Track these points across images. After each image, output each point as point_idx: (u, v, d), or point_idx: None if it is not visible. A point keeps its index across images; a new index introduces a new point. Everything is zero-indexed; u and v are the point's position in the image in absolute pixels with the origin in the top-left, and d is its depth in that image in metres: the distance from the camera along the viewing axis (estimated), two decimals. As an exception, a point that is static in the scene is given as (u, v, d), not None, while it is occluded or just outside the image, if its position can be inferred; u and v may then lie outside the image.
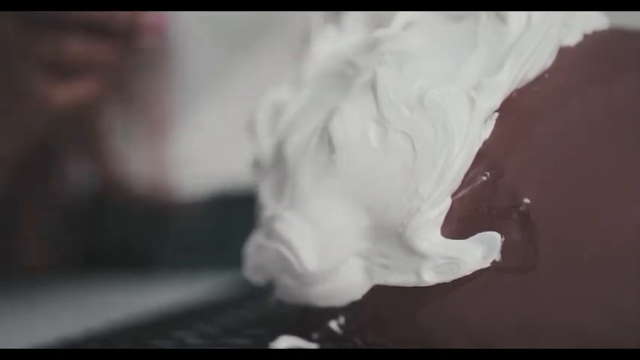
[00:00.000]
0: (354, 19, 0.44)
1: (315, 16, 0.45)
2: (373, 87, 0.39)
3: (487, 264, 0.36)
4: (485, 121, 0.38)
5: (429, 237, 0.37)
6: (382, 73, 0.38)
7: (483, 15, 0.39)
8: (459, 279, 0.36)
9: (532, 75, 0.38)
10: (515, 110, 0.38)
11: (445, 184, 0.37)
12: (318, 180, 0.39)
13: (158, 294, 0.61)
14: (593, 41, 0.40)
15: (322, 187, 0.39)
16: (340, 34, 0.44)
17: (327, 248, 0.39)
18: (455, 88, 0.38)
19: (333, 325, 0.40)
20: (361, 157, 0.38)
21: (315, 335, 0.41)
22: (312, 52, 0.44)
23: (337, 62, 0.43)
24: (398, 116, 0.38)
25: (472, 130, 0.37)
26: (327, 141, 0.39)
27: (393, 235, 0.38)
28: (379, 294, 0.39)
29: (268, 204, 0.42)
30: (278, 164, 0.42)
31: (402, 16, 0.41)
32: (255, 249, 0.42)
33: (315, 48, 0.44)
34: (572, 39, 0.40)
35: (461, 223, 0.37)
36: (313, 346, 0.40)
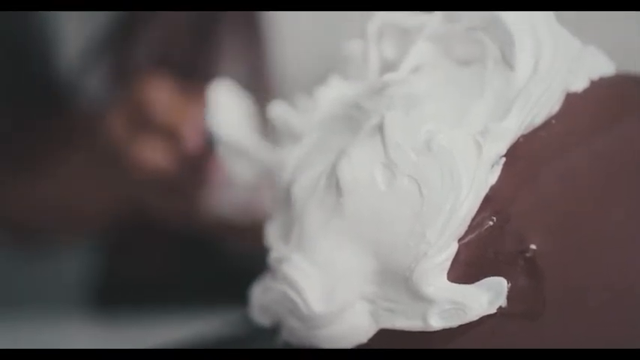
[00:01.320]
0: (358, 67, 0.44)
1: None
2: (381, 130, 0.39)
3: (493, 310, 0.36)
4: (492, 166, 0.38)
5: (436, 282, 0.37)
6: (390, 117, 0.39)
7: (490, 61, 0.40)
8: (465, 324, 0.36)
9: (539, 120, 0.38)
10: (522, 156, 0.38)
11: (452, 229, 0.37)
12: (325, 222, 0.39)
13: (170, 329, 0.61)
14: (599, 87, 0.40)
15: (329, 229, 0.39)
16: (344, 82, 0.44)
17: (333, 291, 0.39)
18: (462, 133, 0.38)
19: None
20: (368, 201, 0.38)
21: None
22: (317, 98, 0.44)
23: (344, 106, 0.43)
24: (405, 160, 0.38)
25: (479, 175, 0.37)
26: (334, 183, 0.39)
27: (399, 279, 0.38)
28: (385, 338, 0.39)
29: (275, 245, 0.42)
30: (286, 205, 0.42)
31: (410, 60, 0.41)
32: (262, 290, 0.42)
33: (320, 94, 0.44)
34: (579, 85, 0.40)
35: (467, 268, 0.37)
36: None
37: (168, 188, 0.61)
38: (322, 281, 0.39)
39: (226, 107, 0.54)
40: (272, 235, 0.44)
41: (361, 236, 0.39)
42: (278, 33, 0.68)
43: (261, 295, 0.43)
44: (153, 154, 0.60)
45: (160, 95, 0.61)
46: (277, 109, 0.46)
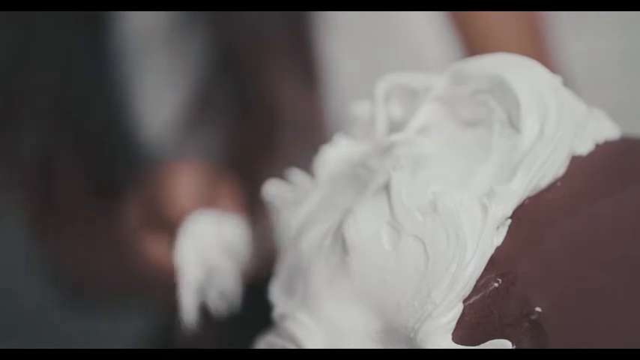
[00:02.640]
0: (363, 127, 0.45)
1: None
2: (387, 190, 0.39)
3: (497, 372, 0.36)
4: (498, 227, 0.38)
5: (440, 343, 0.37)
6: (396, 177, 0.39)
7: (497, 124, 0.40)
8: (470, 386, 0.36)
9: (544, 183, 0.39)
10: (528, 218, 0.38)
11: (457, 290, 0.37)
12: (331, 280, 0.40)
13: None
14: (604, 151, 0.40)
15: (335, 287, 0.39)
16: (351, 142, 0.44)
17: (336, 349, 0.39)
18: (468, 194, 0.38)
19: None
20: (374, 260, 0.39)
21: None
22: (324, 155, 0.44)
23: (350, 164, 0.43)
24: (411, 221, 0.38)
25: (484, 236, 0.37)
26: (340, 242, 0.39)
27: (403, 339, 0.38)
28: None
29: (279, 301, 0.42)
30: (290, 261, 0.43)
31: (417, 121, 0.42)
32: (265, 346, 0.42)
33: (326, 153, 0.44)
34: (584, 148, 0.40)
35: (471, 329, 0.37)
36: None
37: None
38: (326, 340, 0.39)
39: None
40: (276, 289, 0.44)
41: (366, 295, 0.39)
42: (333, 72, 0.69)
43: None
44: (159, 250, 0.59)
45: (178, 190, 0.59)
46: (272, 188, 0.47)
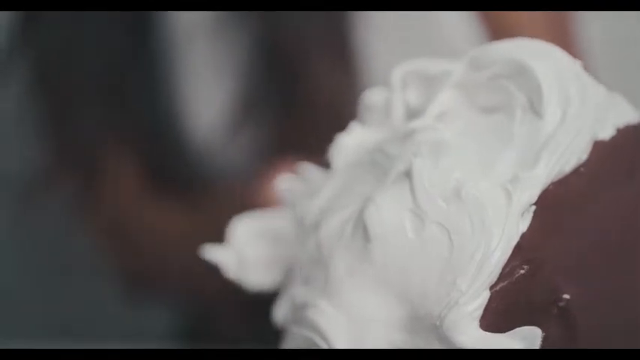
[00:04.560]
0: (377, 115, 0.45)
1: None
2: (409, 177, 0.39)
3: (527, 359, 0.36)
4: (522, 214, 0.38)
5: (468, 331, 0.36)
6: (418, 164, 0.39)
7: (517, 110, 0.40)
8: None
9: (568, 168, 0.38)
10: (552, 203, 0.38)
11: (484, 277, 0.37)
12: (352, 269, 0.39)
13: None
14: (626, 136, 0.40)
15: (357, 276, 0.39)
16: (366, 130, 0.44)
17: (361, 339, 0.39)
18: (491, 181, 0.38)
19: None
20: (396, 248, 0.38)
21: None
22: (339, 143, 0.44)
23: (369, 151, 0.43)
24: (434, 208, 0.38)
25: (510, 223, 0.37)
26: (362, 230, 0.39)
27: (429, 327, 0.37)
28: None
29: (297, 289, 0.42)
30: (309, 250, 0.42)
31: (436, 107, 0.41)
32: (288, 336, 0.42)
33: (341, 141, 0.44)
34: (606, 133, 0.40)
35: (498, 316, 0.37)
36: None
37: None
38: (350, 328, 0.39)
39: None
40: (293, 278, 0.43)
41: (389, 283, 0.38)
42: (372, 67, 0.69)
43: (285, 341, 0.43)
44: None
45: None
46: (284, 183, 0.46)
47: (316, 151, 0.68)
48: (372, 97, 0.45)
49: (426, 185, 0.38)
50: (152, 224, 0.74)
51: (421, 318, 0.38)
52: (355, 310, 0.39)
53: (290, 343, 0.42)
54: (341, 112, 0.69)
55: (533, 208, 0.38)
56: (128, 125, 0.73)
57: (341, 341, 0.39)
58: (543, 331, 0.36)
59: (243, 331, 0.74)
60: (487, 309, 0.37)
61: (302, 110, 0.71)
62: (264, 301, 0.72)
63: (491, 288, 0.37)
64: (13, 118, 0.76)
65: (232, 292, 0.71)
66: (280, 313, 0.45)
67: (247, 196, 0.69)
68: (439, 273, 0.37)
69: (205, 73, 0.72)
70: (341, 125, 0.69)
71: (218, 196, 0.73)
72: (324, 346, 0.39)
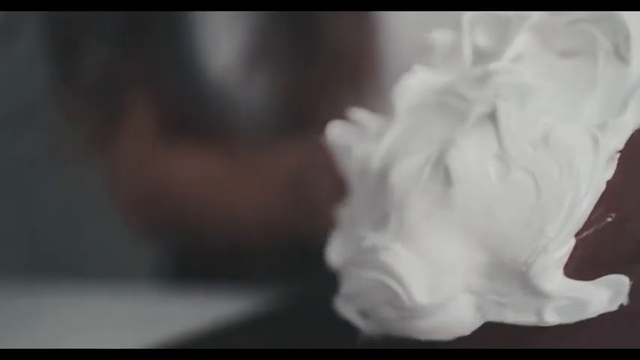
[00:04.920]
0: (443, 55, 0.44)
1: None
2: (494, 121, 0.38)
3: (614, 307, 0.36)
4: (608, 161, 0.37)
5: (554, 278, 0.36)
6: (504, 108, 0.38)
7: (601, 54, 0.39)
8: (583, 322, 0.36)
9: (653, 116, 0.38)
10: (638, 150, 0.37)
11: (572, 224, 0.36)
12: (430, 212, 0.38)
13: (215, 306, 0.59)
14: None
15: (435, 219, 0.38)
16: (430, 71, 0.43)
17: (438, 282, 0.38)
18: (578, 127, 0.37)
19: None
20: (480, 192, 0.38)
21: None
22: (402, 84, 0.43)
23: (436, 93, 0.42)
24: (521, 153, 0.37)
25: (597, 169, 0.37)
26: (442, 173, 0.38)
27: (511, 273, 0.37)
28: (489, 330, 0.38)
29: (364, 232, 0.41)
30: (376, 192, 0.41)
31: (512, 49, 0.41)
32: (349, 279, 0.41)
33: (406, 82, 0.43)
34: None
35: (584, 264, 0.36)
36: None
37: None
38: (426, 271, 0.38)
39: None
40: (357, 220, 0.43)
41: (470, 228, 0.38)
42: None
43: (348, 284, 0.42)
44: None
45: None
46: (336, 129, 0.45)
47: (335, 94, 0.68)
48: (435, 38, 0.44)
49: (512, 130, 0.37)
50: (167, 167, 0.73)
51: (504, 264, 0.37)
52: (433, 254, 0.38)
53: (352, 285, 0.42)
54: (359, 56, 0.69)
55: (618, 155, 0.37)
56: (145, 65, 0.72)
57: (417, 285, 0.38)
58: (632, 280, 0.36)
59: (248, 277, 0.74)
60: (572, 256, 0.36)
61: (320, 52, 0.70)
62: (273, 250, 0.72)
63: (576, 235, 0.37)
64: (27, 60, 0.74)
65: (244, 238, 0.71)
66: (337, 254, 0.44)
67: (265, 139, 0.68)
68: (525, 219, 0.37)
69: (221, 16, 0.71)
70: (355, 70, 0.69)
71: (235, 141, 0.72)
72: (398, 289, 0.39)
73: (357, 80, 0.70)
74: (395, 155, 0.41)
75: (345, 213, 0.46)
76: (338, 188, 0.57)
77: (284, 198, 0.67)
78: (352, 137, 0.45)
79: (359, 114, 0.45)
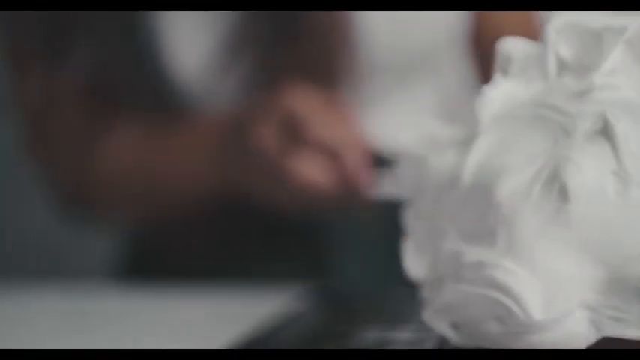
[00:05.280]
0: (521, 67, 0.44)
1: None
2: (608, 138, 0.38)
3: None
4: None
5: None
6: (622, 126, 0.38)
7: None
8: None
9: None
10: None
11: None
12: (544, 229, 0.39)
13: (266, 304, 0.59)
14: None
15: (549, 236, 0.39)
16: (514, 82, 0.43)
17: (553, 298, 0.39)
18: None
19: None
20: (597, 209, 0.38)
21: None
22: (487, 96, 0.43)
23: (526, 106, 0.42)
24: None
25: None
26: (557, 190, 0.38)
27: (630, 289, 0.38)
28: (605, 345, 0.39)
29: (459, 246, 0.41)
30: (472, 206, 0.41)
31: (609, 63, 0.41)
32: (458, 294, 0.41)
33: (490, 94, 0.43)
34: None
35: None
36: None
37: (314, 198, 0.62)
38: (541, 287, 0.39)
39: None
40: (442, 234, 0.43)
41: (587, 244, 0.38)
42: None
43: (442, 297, 0.42)
44: (310, 170, 0.61)
45: (312, 109, 0.62)
46: (404, 137, 0.46)
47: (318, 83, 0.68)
48: (512, 48, 0.44)
49: (631, 147, 0.38)
50: (101, 149, 0.72)
51: (621, 279, 0.38)
52: (547, 270, 0.39)
53: (446, 298, 0.42)
54: (334, 49, 0.69)
55: None
56: (113, 57, 0.71)
57: (532, 301, 0.39)
58: None
59: (195, 265, 0.73)
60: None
61: (294, 41, 0.70)
62: (226, 236, 0.72)
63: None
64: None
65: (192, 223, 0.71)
66: (420, 266, 0.44)
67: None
68: (645, 235, 0.37)
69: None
70: (333, 63, 0.70)
71: (191, 126, 0.71)
72: (512, 305, 0.39)
73: (332, 75, 0.70)
74: (494, 169, 0.41)
75: (416, 223, 0.45)
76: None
77: (215, 154, 0.67)
78: (423, 146, 0.45)
79: (427, 122, 0.45)
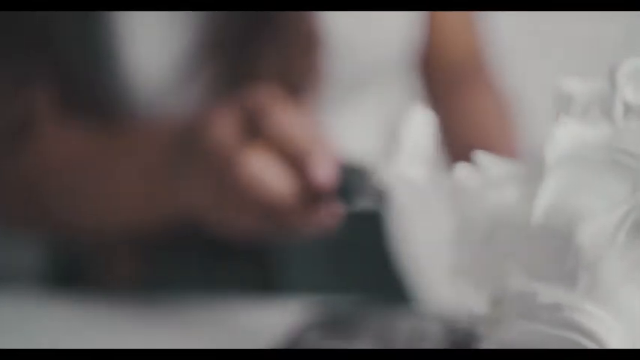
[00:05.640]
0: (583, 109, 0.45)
1: None
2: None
3: None
4: None
5: None
6: None
7: None
8: None
9: None
10: None
11: None
12: (629, 275, 0.40)
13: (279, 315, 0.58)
14: None
15: (634, 281, 0.40)
16: (580, 124, 0.44)
17: (637, 343, 0.40)
18: None
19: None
20: (685, 257, 0.39)
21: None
22: (554, 139, 0.43)
23: (598, 149, 0.43)
24: None
25: None
26: (641, 238, 0.39)
27: None
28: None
29: (536, 287, 0.42)
30: (550, 248, 0.42)
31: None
32: (537, 336, 0.42)
33: (557, 135, 0.43)
34: None
35: None
36: None
37: (267, 210, 0.57)
38: (625, 332, 0.40)
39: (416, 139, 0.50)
40: (506, 271, 0.43)
41: (672, 291, 0.39)
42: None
43: (508, 333, 0.42)
44: (263, 168, 0.56)
45: (277, 106, 0.57)
46: (461, 172, 0.45)
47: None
48: (573, 88, 0.45)
49: None
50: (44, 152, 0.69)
51: None
52: (632, 315, 0.40)
53: (514, 334, 0.42)
54: (300, 56, 0.69)
55: None
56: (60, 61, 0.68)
57: (616, 346, 0.40)
58: None
59: (126, 280, 0.72)
60: None
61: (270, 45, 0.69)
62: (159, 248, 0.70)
63: None
64: None
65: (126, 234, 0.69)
66: (480, 301, 0.44)
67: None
68: None
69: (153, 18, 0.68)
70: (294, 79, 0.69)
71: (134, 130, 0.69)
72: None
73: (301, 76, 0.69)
74: (569, 212, 0.42)
75: (465, 256, 0.45)
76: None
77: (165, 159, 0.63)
78: (478, 182, 0.45)
79: (483, 157, 0.45)
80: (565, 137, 0.44)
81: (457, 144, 0.78)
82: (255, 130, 0.57)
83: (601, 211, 0.41)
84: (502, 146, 0.79)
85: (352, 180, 0.55)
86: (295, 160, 0.56)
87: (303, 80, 0.69)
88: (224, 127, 0.57)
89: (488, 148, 0.77)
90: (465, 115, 0.82)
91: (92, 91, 0.69)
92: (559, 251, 0.41)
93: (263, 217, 0.57)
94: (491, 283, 0.44)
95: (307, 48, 0.69)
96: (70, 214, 0.67)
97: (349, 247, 0.72)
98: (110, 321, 0.59)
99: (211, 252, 0.71)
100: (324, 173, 0.55)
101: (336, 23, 0.70)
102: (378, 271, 0.75)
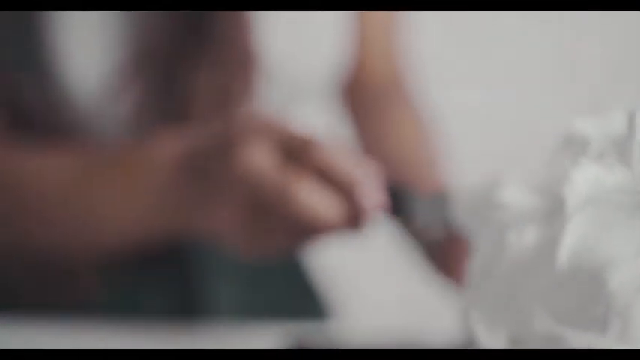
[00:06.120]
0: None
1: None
2: None
3: None
4: None
5: None
6: None
7: None
8: None
9: None
10: None
11: None
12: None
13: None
14: None
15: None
16: (599, 166, 0.45)
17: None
18: None
19: None
20: None
21: None
22: (574, 181, 0.44)
23: (619, 193, 0.44)
24: None
25: None
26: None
27: None
28: None
29: (564, 331, 0.42)
30: (577, 292, 0.42)
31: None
32: None
33: (576, 176, 0.44)
34: None
35: None
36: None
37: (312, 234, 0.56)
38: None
39: None
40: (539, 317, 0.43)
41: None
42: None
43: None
44: (316, 201, 0.55)
45: (322, 142, 0.56)
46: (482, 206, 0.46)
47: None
48: (589, 130, 0.46)
49: None
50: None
51: None
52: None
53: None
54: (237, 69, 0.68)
55: None
56: None
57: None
58: None
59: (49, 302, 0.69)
60: None
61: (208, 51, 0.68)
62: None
63: None
64: None
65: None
66: (500, 339, 0.44)
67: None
68: None
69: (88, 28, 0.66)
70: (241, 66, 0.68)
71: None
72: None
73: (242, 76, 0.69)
74: (596, 256, 0.42)
75: (485, 295, 0.46)
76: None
77: (164, 193, 0.60)
78: (502, 217, 0.45)
79: (506, 192, 0.46)
80: (584, 180, 0.44)
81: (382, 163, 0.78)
82: (297, 160, 0.55)
83: (629, 255, 0.42)
84: (428, 167, 0.80)
85: (400, 201, 0.56)
86: (343, 189, 0.55)
87: (237, 96, 0.68)
88: (260, 156, 0.55)
89: (414, 167, 0.79)
90: (387, 134, 0.83)
91: (28, 107, 0.66)
92: (585, 296, 0.42)
93: (302, 238, 0.57)
94: (509, 322, 0.44)
95: (242, 64, 0.68)
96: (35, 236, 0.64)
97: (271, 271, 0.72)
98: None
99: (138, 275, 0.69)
100: (374, 201, 0.55)
101: (271, 42, 0.70)
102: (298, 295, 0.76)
